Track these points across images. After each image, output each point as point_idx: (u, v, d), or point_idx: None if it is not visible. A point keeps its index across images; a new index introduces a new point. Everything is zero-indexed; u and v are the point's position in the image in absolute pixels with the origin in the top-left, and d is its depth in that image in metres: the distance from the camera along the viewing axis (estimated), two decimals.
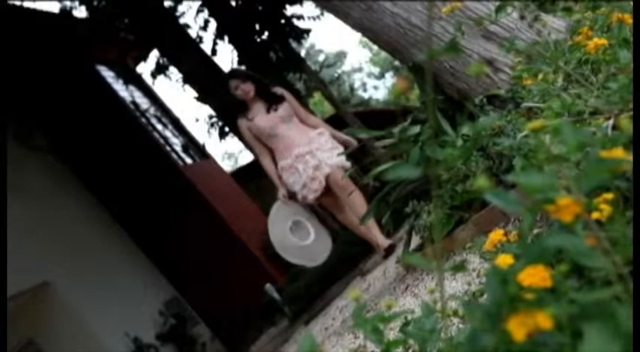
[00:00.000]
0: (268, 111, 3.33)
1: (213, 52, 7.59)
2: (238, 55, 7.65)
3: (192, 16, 9.36)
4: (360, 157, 6.57)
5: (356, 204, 3.24)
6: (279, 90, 3.48)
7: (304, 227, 3.37)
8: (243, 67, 7.81)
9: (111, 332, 6.12)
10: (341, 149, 3.28)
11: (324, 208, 3.64)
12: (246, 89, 3.32)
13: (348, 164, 3.30)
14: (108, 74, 8.28)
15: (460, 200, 2.12)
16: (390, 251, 3.20)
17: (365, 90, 26.90)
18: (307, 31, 7.91)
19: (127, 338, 6.26)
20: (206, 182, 7.93)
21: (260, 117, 3.32)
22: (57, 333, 5.97)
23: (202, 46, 7.68)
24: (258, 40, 7.73)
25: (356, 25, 3.02)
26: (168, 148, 8.30)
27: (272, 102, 3.35)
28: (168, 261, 7.41)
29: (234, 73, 3.80)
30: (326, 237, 3.46)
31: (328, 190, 3.26)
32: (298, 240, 3.31)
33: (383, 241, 3.22)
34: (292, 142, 3.28)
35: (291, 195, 3.33)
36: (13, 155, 6.07)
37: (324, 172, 3.19)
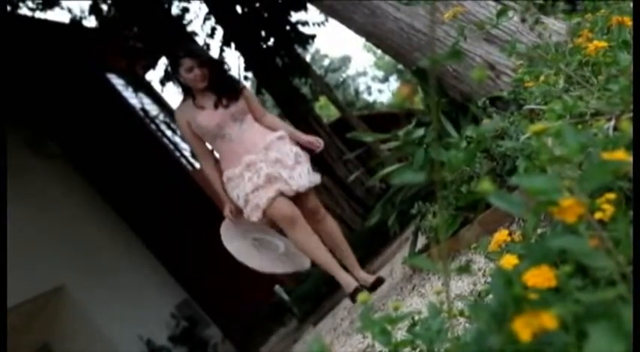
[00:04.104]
0: (216, 106, 2.66)
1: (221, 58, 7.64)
2: (245, 62, 7.70)
3: (200, 24, 9.41)
4: (366, 160, 6.58)
5: (329, 231, 2.71)
6: (237, 83, 2.88)
7: (268, 241, 2.85)
8: (250, 74, 7.80)
9: (124, 335, 6.16)
10: (306, 162, 2.69)
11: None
12: (201, 74, 2.62)
13: (318, 179, 2.69)
14: (118, 82, 8.36)
15: (465, 201, 2.13)
16: (376, 285, 2.60)
17: (370, 93, 26.93)
18: (312, 37, 7.94)
19: (140, 340, 6.30)
20: None
21: (206, 113, 2.65)
22: (71, 337, 6.01)
23: (210, 53, 7.74)
24: (265, 46, 7.77)
25: (359, 31, 3.04)
26: (177, 153, 8.36)
27: (224, 96, 2.68)
28: (180, 264, 7.44)
29: (193, 51, 2.78)
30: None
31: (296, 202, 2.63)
32: (270, 251, 2.79)
33: (366, 276, 2.63)
34: (244, 147, 2.63)
35: (240, 211, 2.72)
36: (26, 162, 6.14)
37: (281, 189, 2.55)
